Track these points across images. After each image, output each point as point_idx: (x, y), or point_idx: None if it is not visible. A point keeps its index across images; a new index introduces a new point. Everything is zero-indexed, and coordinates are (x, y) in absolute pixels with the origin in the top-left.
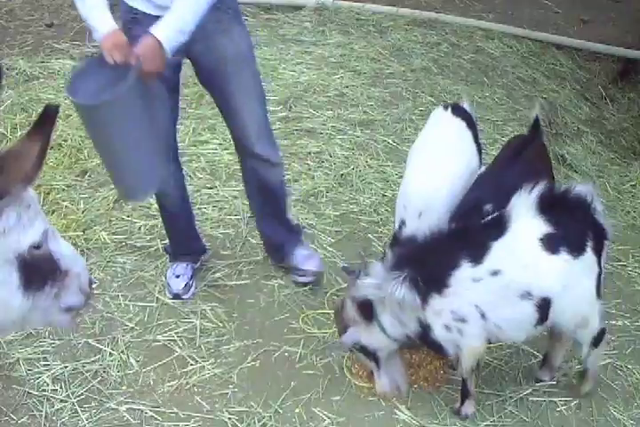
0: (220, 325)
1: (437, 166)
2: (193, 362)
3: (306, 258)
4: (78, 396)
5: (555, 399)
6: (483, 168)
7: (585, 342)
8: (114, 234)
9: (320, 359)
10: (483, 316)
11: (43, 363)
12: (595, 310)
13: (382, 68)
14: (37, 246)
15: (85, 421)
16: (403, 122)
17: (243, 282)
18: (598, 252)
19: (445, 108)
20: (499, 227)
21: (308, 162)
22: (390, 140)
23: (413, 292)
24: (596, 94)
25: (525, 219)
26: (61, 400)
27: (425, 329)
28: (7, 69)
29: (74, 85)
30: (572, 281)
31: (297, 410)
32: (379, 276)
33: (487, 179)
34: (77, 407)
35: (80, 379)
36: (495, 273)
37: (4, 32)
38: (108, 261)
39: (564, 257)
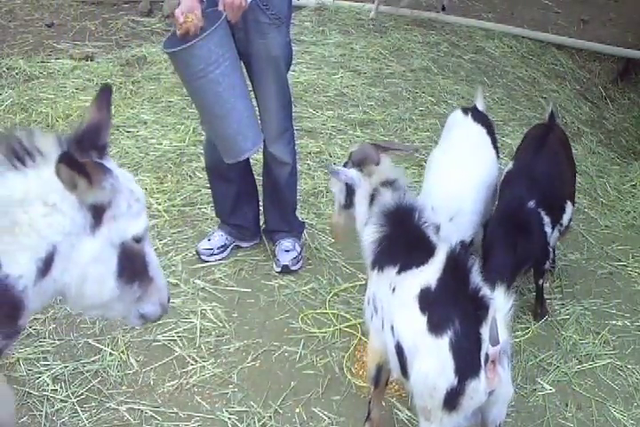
0: (220, 325)
1: (464, 172)
2: (193, 362)
3: (283, 251)
4: (78, 396)
5: (555, 399)
6: (510, 164)
7: None
8: None
9: (320, 359)
10: (382, 322)
11: (43, 363)
12: (438, 414)
13: (382, 68)
14: (138, 240)
15: (85, 421)
16: (403, 122)
17: (243, 282)
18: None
19: (465, 112)
20: (426, 259)
21: (308, 162)
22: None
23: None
24: (596, 94)
25: (433, 266)
26: (61, 400)
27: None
28: (7, 69)
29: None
30: (423, 352)
31: (297, 410)
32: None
33: (520, 175)
34: (77, 407)
35: (80, 379)
36: (394, 290)
37: (4, 32)
38: None
39: (423, 321)
